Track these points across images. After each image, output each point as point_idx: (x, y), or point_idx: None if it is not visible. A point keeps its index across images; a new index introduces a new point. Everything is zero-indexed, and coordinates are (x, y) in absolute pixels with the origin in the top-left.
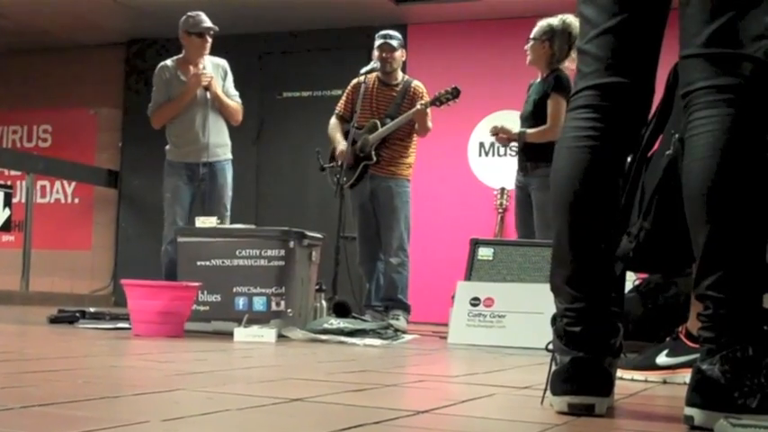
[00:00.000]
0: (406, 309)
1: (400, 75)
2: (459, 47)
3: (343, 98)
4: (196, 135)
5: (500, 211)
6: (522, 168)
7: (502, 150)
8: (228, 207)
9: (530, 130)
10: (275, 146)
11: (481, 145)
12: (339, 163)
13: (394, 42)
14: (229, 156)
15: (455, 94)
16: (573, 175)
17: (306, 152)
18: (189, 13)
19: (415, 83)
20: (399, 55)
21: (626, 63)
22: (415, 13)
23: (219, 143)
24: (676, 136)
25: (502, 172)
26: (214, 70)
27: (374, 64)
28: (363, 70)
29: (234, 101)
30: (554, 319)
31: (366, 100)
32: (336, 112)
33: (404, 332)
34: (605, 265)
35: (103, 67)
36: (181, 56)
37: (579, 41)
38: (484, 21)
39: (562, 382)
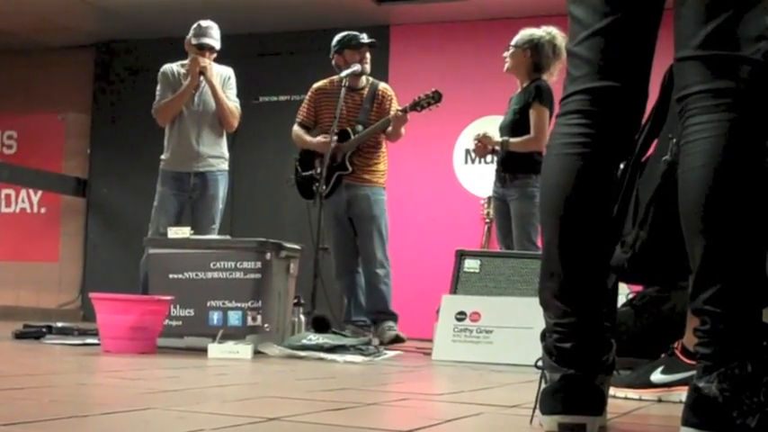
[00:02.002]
0: (395, 319)
1: (365, 78)
2: (444, 49)
3: (305, 105)
4: (189, 144)
5: (487, 221)
6: (501, 179)
7: (489, 158)
8: (217, 220)
9: (513, 139)
10: (251, 153)
11: (467, 152)
12: (318, 171)
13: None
14: (224, 167)
15: (436, 98)
16: (563, 184)
17: (283, 159)
18: (201, 22)
19: (383, 85)
20: None
21: (618, 66)
22: (397, 14)
23: (214, 154)
24: (674, 140)
25: (489, 180)
26: (216, 77)
27: (355, 67)
28: (344, 74)
29: (233, 105)
30: (543, 335)
31: (330, 110)
32: (298, 120)
33: (403, 340)
34: (597, 277)
35: (71, 71)
36: (186, 61)
37: (569, 43)
38: (471, 22)
39: (552, 400)
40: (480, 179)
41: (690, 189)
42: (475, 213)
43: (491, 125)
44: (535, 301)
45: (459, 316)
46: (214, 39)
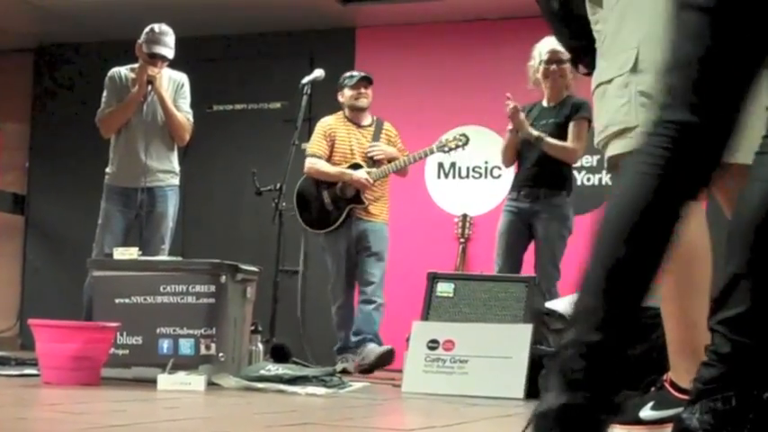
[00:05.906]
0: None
1: (370, 116)
2: (414, 53)
3: (320, 140)
4: (136, 157)
5: (462, 240)
6: (531, 195)
7: (464, 172)
8: (167, 240)
9: (551, 139)
10: (204, 166)
11: (440, 166)
12: (278, 186)
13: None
14: (174, 182)
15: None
16: (635, 202)
17: (239, 173)
18: (154, 27)
19: (387, 125)
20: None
21: (711, 101)
22: (364, 15)
23: (163, 168)
24: None
25: (464, 196)
26: (168, 84)
27: (318, 73)
28: (306, 80)
29: (184, 116)
30: (558, 351)
31: (341, 145)
32: (315, 153)
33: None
34: (636, 306)
35: (8, 76)
36: (136, 65)
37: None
38: (442, 23)
39: (549, 427)
40: (454, 195)
41: (751, 200)
42: (448, 232)
43: (473, 136)
44: (514, 328)
45: (431, 344)
46: (168, 47)
